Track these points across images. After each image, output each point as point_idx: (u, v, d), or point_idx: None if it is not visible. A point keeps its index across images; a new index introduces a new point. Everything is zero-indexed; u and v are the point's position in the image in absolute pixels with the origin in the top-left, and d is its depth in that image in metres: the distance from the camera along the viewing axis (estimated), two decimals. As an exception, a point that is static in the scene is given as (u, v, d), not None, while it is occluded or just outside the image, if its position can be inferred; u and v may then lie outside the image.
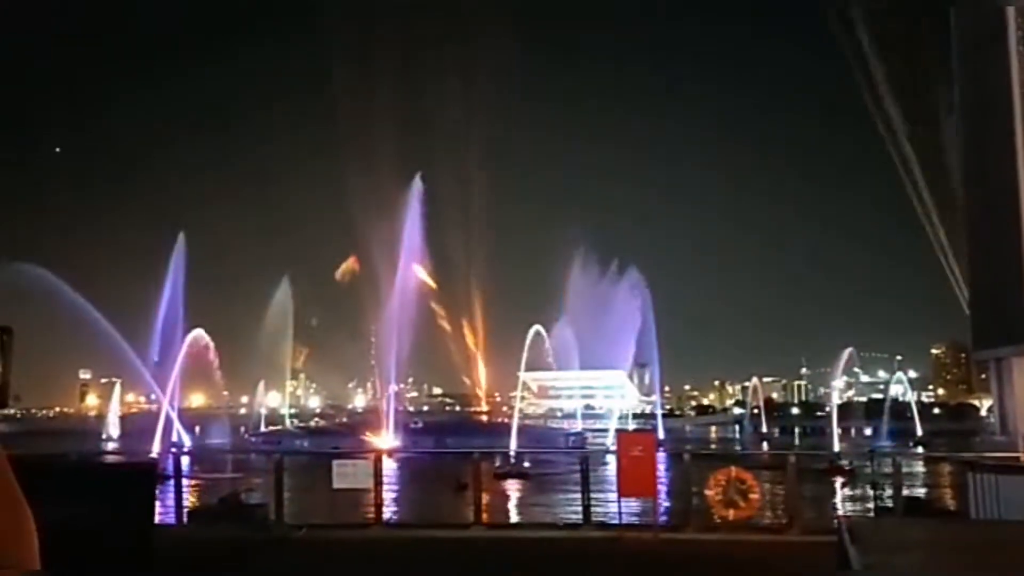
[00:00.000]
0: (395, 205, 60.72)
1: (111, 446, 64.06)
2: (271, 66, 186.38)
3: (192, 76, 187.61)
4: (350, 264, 76.25)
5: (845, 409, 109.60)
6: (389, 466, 24.93)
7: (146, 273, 61.05)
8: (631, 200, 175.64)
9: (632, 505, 15.13)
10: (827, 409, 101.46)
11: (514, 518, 25.30)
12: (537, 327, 66.10)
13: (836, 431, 60.71)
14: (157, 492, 11.61)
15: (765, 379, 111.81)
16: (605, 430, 70.73)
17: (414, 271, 61.90)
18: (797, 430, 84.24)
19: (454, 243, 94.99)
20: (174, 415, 59.15)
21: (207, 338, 58.22)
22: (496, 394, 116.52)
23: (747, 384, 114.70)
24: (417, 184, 60.55)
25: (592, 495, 15.13)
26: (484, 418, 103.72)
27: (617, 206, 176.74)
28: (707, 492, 14.41)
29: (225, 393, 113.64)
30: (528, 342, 65.43)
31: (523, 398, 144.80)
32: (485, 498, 16.34)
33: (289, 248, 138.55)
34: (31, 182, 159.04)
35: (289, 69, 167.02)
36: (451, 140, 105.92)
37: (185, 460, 27.80)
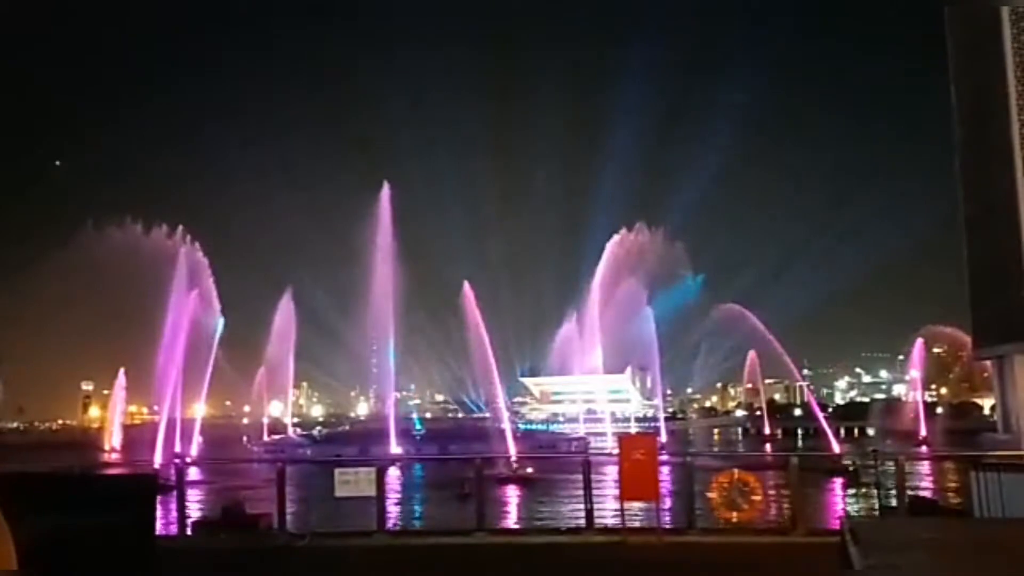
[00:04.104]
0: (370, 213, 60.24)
1: (114, 457, 64.08)
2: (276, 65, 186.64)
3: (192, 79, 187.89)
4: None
5: (847, 409, 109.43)
6: (392, 473, 24.93)
7: (149, 283, 60.93)
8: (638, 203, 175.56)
9: (636, 508, 15.10)
10: (830, 410, 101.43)
11: (517, 523, 25.27)
12: (465, 282, 62.44)
13: (830, 431, 60.58)
14: (158, 503, 11.59)
15: (767, 381, 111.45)
16: (604, 434, 70.61)
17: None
18: (799, 431, 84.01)
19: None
20: (197, 422, 59.85)
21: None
22: (497, 399, 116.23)
23: (749, 386, 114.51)
24: (385, 191, 60.40)
25: (595, 499, 15.07)
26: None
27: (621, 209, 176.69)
28: (710, 494, 14.38)
29: (228, 403, 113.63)
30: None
31: (525, 403, 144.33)
32: (488, 504, 16.31)
33: (293, 258, 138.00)
34: (32, 193, 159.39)
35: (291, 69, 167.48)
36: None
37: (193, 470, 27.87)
